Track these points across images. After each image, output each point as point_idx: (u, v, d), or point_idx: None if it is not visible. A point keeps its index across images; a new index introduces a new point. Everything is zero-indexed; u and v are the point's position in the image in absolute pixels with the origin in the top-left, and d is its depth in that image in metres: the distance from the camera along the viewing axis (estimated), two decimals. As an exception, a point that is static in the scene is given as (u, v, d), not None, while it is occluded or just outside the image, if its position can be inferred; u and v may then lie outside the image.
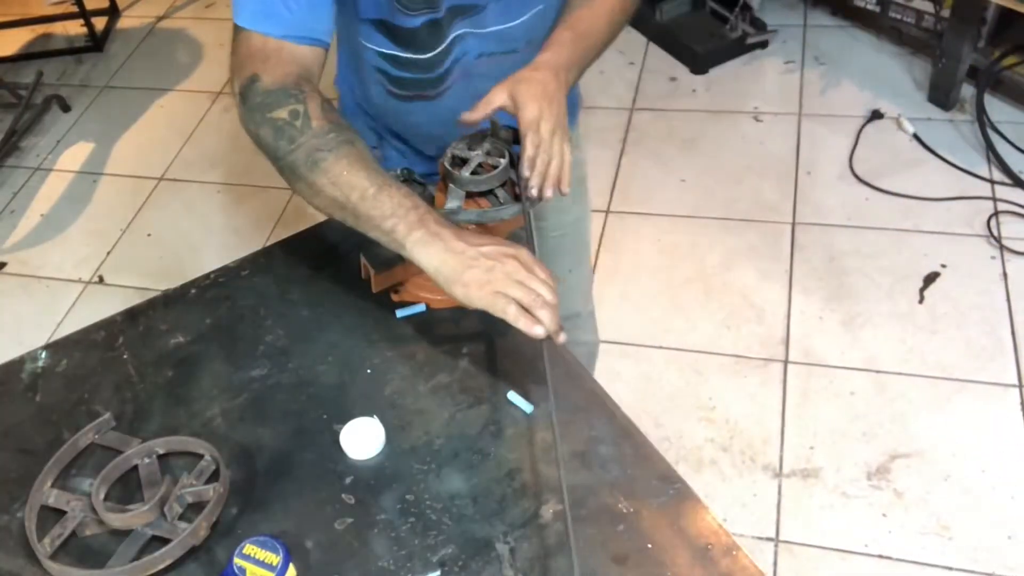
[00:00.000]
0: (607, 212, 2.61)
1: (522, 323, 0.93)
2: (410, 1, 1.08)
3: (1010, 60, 2.58)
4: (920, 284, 2.28)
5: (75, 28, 3.64)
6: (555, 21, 1.17)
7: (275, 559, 0.89)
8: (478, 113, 1.07)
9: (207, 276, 1.28)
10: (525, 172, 1.05)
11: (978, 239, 2.36)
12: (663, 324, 2.29)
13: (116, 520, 0.96)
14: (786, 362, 2.16)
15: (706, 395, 2.12)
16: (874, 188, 2.53)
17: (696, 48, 3.03)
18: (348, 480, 1.01)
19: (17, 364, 1.19)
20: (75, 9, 3.49)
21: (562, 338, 0.95)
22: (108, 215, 2.86)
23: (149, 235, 2.78)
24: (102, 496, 0.98)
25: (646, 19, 3.19)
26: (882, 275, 2.31)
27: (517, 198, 1.09)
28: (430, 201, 1.18)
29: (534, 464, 1.01)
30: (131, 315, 1.24)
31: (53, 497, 1.01)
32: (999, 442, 1.94)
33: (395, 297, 1.19)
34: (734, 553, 0.91)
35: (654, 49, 3.17)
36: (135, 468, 1.03)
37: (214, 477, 1.00)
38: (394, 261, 1.13)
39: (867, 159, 2.62)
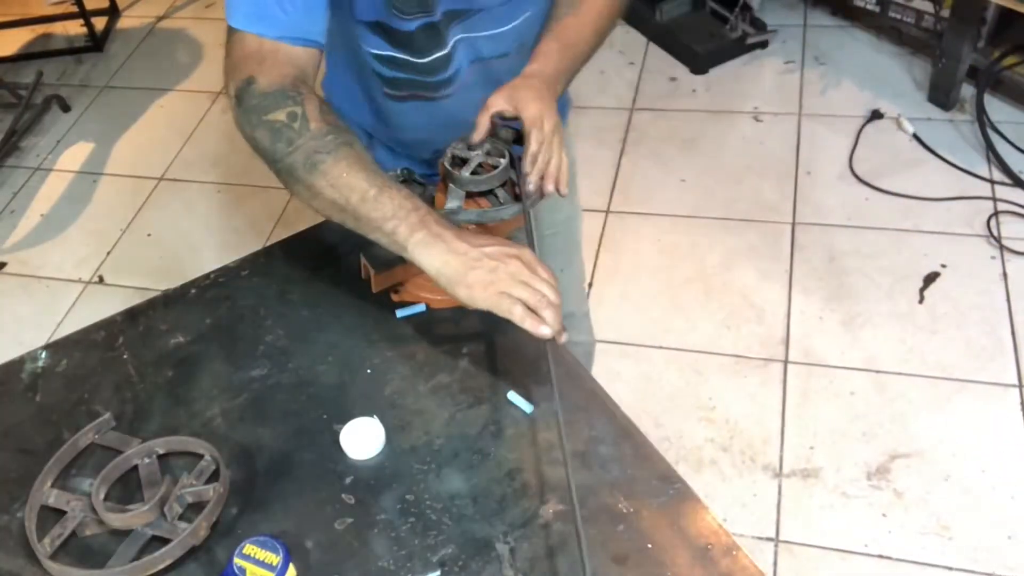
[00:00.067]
0: (607, 212, 2.61)
1: (528, 323, 0.93)
2: (404, 4, 1.08)
3: (1010, 60, 2.58)
4: (920, 284, 2.28)
5: (75, 28, 3.64)
6: (542, 27, 1.18)
7: (275, 559, 0.89)
8: (482, 119, 1.08)
9: (207, 276, 1.28)
10: (527, 167, 1.06)
11: (978, 239, 2.36)
12: (663, 324, 2.29)
13: (116, 520, 0.96)
14: (786, 362, 2.16)
15: (706, 395, 2.12)
16: (874, 188, 2.53)
17: (696, 48, 3.03)
18: (348, 480, 1.01)
19: (17, 364, 1.19)
20: (75, 9, 3.49)
21: (564, 338, 0.96)
22: (108, 215, 2.86)
23: (149, 235, 2.78)
24: (102, 496, 0.99)
25: (646, 19, 3.19)
26: (882, 275, 2.31)
27: (517, 198, 1.09)
28: (430, 202, 1.18)
29: (534, 464, 1.01)
30: (131, 315, 1.24)
31: (53, 497, 1.01)
32: (999, 442, 1.94)
33: (395, 297, 1.19)
34: (734, 553, 0.91)
35: (654, 49, 3.17)
36: (135, 468, 1.03)
37: (214, 477, 1.00)
38: (394, 261, 1.13)
39: (867, 159, 2.62)
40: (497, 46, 1.19)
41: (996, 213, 2.41)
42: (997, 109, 2.65)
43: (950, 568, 1.77)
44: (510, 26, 1.17)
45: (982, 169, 2.53)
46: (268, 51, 1.01)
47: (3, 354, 1.22)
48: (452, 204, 1.07)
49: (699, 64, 3.04)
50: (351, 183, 0.98)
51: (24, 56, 3.59)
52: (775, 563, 1.82)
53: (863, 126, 2.72)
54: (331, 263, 1.26)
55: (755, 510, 1.91)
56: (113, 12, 3.72)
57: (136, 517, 0.96)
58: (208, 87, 3.28)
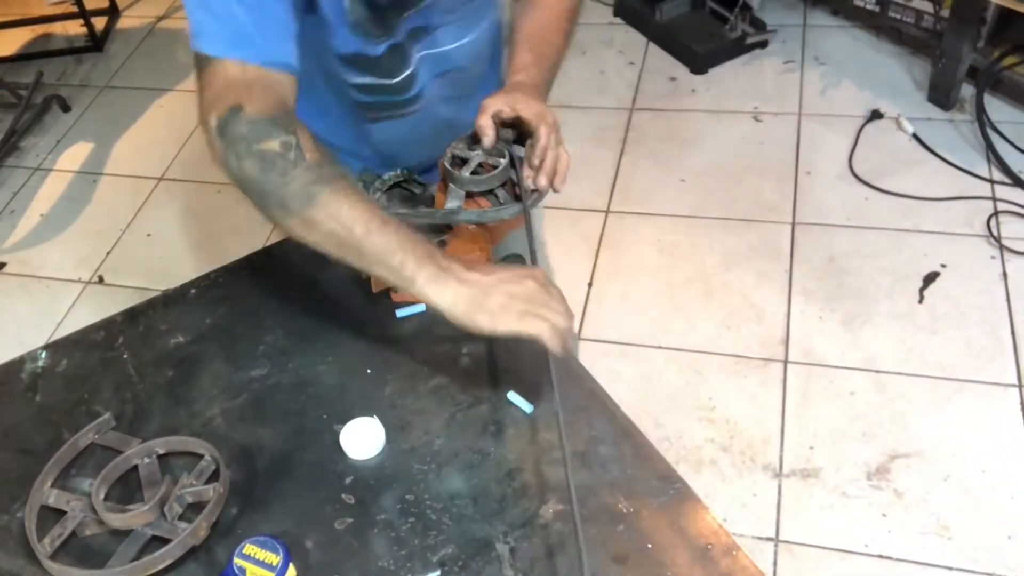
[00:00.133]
0: (607, 212, 2.61)
1: (555, 343, 0.92)
2: (372, 28, 1.08)
3: (1010, 60, 2.58)
4: (920, 284, 2.28)
5: (75, 28, 3.64)
6: (511, 37, 1.19)
7: (275, 559, 0.89)
8: (485, 122, 1.08)
9: (207, 276, 1.28)
10: (536, 161, 1.07)
11: (978, 239, 2.36)
12: (663, 324, 2.29)
13: (116, 520, 0.96)
14: (786, 362, 2.16)
15: (706, 395, 2.12)
16: (874, 188, 2.53)
17: (696, 48, 3.03)
18: (348, 480, 1.01)
19: (17, 364, 1.19)
20: (75, 9, 3.49)
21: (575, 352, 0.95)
22: (108, 215, 2.86)
23: (149, 235, 2.78)
24: (102, 496, 0.99)
25: (646, 19, 3.20)
26: (882, 275, 2.31)
27: (517, 198, 1.09)
28: (430, 202, 1.19)
29: (534, 464, 1.01)
30: (131, 315, 1.24)
31: (53, 497, 1.01)
32: (999, 442, 1.94)
33: (395, 297, 1.19)
34: (734, 553, 0.91)
35: (654, 49, 3.17)
36: (135, 468, 1.03)
37: (214, 477, 1.00)
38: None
39: (867, 159, 2.62)
40: (456, 60, 1.20)
41: (996, 213, 2.41)
42: (997, 109, 2.65)
43: (950, 568, 1.77)
44: (468, 39, 1.18)
45: (982, 169, 2.53)
46: (252, 78, 0.95)
47: (3, 354, 1.22)
48: (452, 204, 1.07)
49: (699, 64, 3.04)
50: (353, 215, 0.93)
51: (24, 56, 3.59)
52: (775, 563, 1.82)
53: (863, 126, 2.72)
54: (331, 263, 1.26)
55: (755, 510, 1.91)
56: (113, 12, 3.72)
57: (136, 517, 0.96)
58: (208, 87, 3.28)
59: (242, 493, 1.01)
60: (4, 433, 1.11)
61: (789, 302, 2.29)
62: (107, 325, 1.22)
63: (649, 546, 0.92)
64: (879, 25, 3.00)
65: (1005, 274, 2.27)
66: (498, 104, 1.07)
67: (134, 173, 3.00)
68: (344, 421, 1.05)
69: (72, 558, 0.96)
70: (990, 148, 2.55)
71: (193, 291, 1.26)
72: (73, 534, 0.98)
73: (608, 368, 2.17)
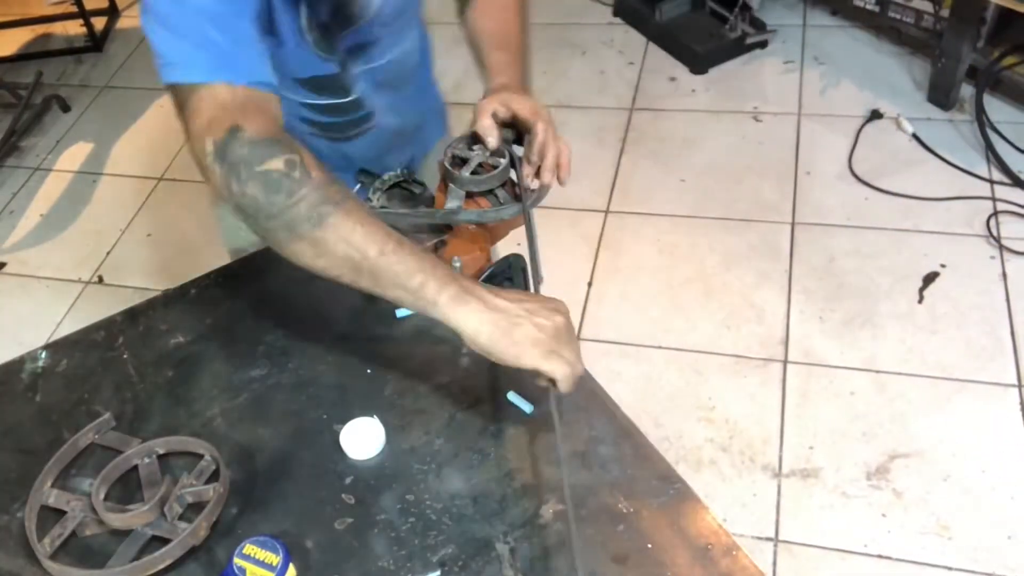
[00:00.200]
0: (607, 212, 2.61)
1: (570, 388, 0.90)
2: (328, 45, 1.09)
3: (1010, 60, 2.58)
4: (920, 284, 2.28)
5: (75, 28, 3.64)
6: (481, 41, 1.19)
7: (275, 559, 0.89)
8: (486, 123, 1.08)
9: (207, 276, 1.28)
10: (535, 157, 1.07)
11: (978, 239, 2.36)
12: (663, 324, 2.29)
13: (116, 520, 0.96)
14: (786, 362, 2.16)
15: (706, 395, 2.12)
16: (874, 188, 2.53)
17: (696, 48, 3.03)
18: (348, 480, 1.01)
19: (17, 364, 1.19)
20: (75, 9, 3.49)
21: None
22: (108, 215, 2.86)
23: (149, 235, 2.78)
24: (102, 496, 0.99)
25: (646, 19, 3.20)
26: (882, 275, 2.31)
27: (517, 198, 1.09)
28: (430, 202, 1.19)
29: (534, 464, 1.01)
30: (131, 315, 1.24)
31: (53, 497, 1.01)
32: (999, 442, 1.94)
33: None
34: (734, 553, 0.91)
35: (654, 49, 3.17)
36: (135, 468, 1.03)
37: (214, 477, 1.00)
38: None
39: (867, 159, 2.62)
40: (392, 68, 1.20)
41: (996, 213, 2.41)
42: (997, 109, 2.65)
43: (950, 568, 1.77)
44: (400, 48, 1.19)
45: (982, 169, 2.53)
46: (243, 99, 0.90)
47: (3, 354, 1.22)
48: (452, 204, 1.07)
49: (699, 64, 3.04)
50: (368, 236, 0.88)
51: (24, 56, 3.59)
52: (775, 563, 1.82)
53: (863, 126, 2.72)
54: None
55: (755, 510, 1.91)
56: (113, 12, 3.72)
57: (136, 517, 0.96)
58: (208, 87, 3.28)
59: (242, 493, 1.01)
60: (4, 433, 1.11)
61: (789, 302, 2.29)
62: (107, 325, 1.22)
63: (649, 546, 0.92)
64: (879, 25, 3.00)
65: (1005, 274, 2.27)
66: (493, 105, 1.07)
67: (134, 173, 3.00)
68: (344, 421, 1.05)
69: (72, 558, 0.96)
70: (990, 148, 2.55)
71: (193, 291, 1.26)
72: (73, 534, 0.98)
73: (608, 368, 2.17)
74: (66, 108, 3.30)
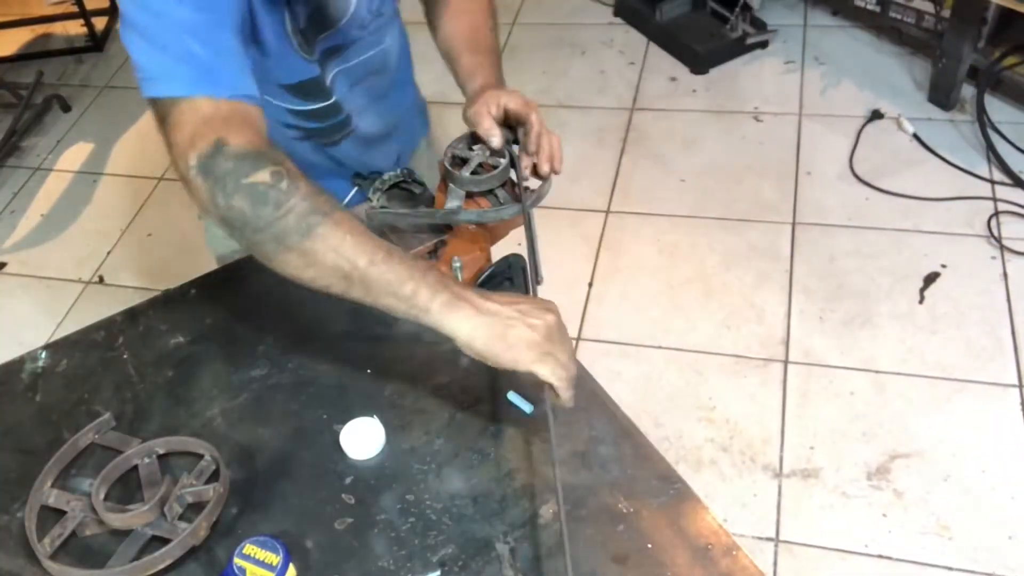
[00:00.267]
0: (607, 212, 2.61)
1: (567, 394, 0.90)
2: (308, 48, 1.09)
3: (1010, 60, 2.58)
4: (920, 284, 2.28)
5: (75, 28, 3.64)
6: (406, 41, 1.21)
7: (275, 559, 0.89)
8: (487, 123, 1.08)
9: (207, 276, 1.28)
10: (532, 148, 1.07)
11: (978, 239, 2.36)
12: (663, 324, 2.29)
13: (116, 520, 0.96)
14: (786, 362, 2.16)
15: (706, 395, 2.12)
16: (874, 188, 2.53)
17: (696, 48, 3.03)
18: (348, 480, 1.01)
19: (17, 364, 1.19)
20: (75, 9, 3.49)
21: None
22: (108, 215, 2.86)
23: (149, 235, 2.78)
24: (102, 496, 0.99)
25: (646, 19, 3.20)
26: (882, 275, 2.31)
27: (517, 198, 1.09)
28: (430, 202, 1.19)
29: (534, 464, 1.01)
30: (131, 315, 1.24)
31: (53, 497, 1.01)
32: (999, 442, 1.94)
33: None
34: (734, 553, 0.91)
35: (654, 49, 3.17)
36: (135, 468, 1.03)
37: (214, 477, 1.00)
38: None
39: (867, 159, 2.62)
40: (368, 68, 1.20)
41: (996, 213, 2.41)
42: (997, 109, 2.65)
43: (950, 568, 1.77)
44: (377, 49, 1.19)
45: (982, 169, 2.53)
46: (227, 112, 0.90)
47: (3, 354, 1.22)
48: (452, 204, 1.07)
49: (699, 64, 3.04)
50: (357, 245, 0.88)
51: (24, 56, 3.59)
52: (775, 563, 1.82)
53: (863, 126, 2.72)
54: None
55: (755, 510, 1.91)
56: (113, 12, 3.72)
57: (136, 517, 0.96)
58: (208, 87, 3.29)
59: (242, 493, 1.01)
60: (4, 433, 1.11)
61: (789, 302, 2.29)
62: (107, 325, 1.22)
63: (649, 546, 0.92)
64: (879, 25, 3.00)
65: (1005, 274, 2.27)
66: (486, 106, 1.08)
67: (134, 173, 3.00)
68: (344, 421, 1.05)
69: (72, 558, 0.96)
70: (990, 148, 2.55)
71: (193, 291, 1.26)
72: (73, 534, 0.98)
73: (608, 368, 2.17)
74: (67, 108, 3.30)
